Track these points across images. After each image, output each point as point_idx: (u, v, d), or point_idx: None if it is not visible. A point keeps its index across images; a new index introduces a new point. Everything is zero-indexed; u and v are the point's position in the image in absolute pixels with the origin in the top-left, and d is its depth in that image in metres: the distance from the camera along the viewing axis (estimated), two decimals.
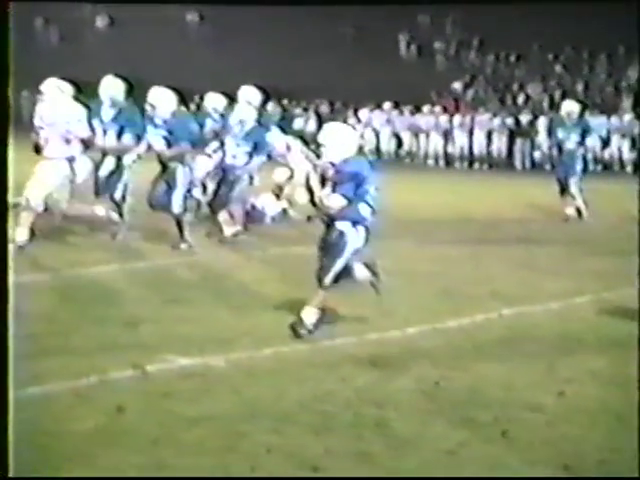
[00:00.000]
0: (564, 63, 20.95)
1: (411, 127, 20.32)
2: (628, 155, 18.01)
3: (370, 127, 20.55)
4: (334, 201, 5.33)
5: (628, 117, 18.19)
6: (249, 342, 5.18)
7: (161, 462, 3.57)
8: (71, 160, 7.81)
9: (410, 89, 20.02)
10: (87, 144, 7.91)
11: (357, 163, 5.44)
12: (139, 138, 8.30)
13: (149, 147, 8.33)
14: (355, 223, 5.39)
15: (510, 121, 19.27)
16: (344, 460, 3.65)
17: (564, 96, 18.11)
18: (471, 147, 19.64)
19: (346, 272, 5.47)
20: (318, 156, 5.81)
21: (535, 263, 7.97)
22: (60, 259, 7.50)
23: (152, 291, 6.57)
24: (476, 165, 19.59)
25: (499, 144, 19.34)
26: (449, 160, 19.88)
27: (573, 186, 10.73)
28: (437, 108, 20.07)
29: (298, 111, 21.14)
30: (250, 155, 8.69)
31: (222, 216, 8.66)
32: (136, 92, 8.73)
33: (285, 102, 20.86)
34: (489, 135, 19.45)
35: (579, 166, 10.81)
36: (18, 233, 7.54)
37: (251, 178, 8.91)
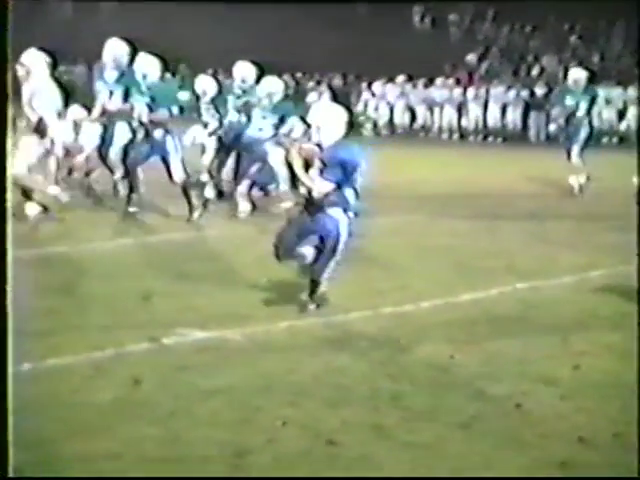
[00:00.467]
0: (580, 34, 20.72)
1: (425, 100, 20.20)
2: None
3: (384, 100, 20.44)
4: (322, 186, 5.16)
5: None
6: (265, 316, 5.21)
7: (177, 434, 3.61)
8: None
9: (424, 62, 19.87)
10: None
11: (348, 149, 5.25)
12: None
13: (132, 109, 8.28)
14: (344, 210, 5.23)
15: (525, 93, 19.11)
16: (359, 433, 3.67)
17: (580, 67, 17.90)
18: (485, 120, 19.51)
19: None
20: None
21: (550, 237, 7.95)
22: (75, 233, 7.54)
23: (167, 265, 6.60)
24: (490, 138, 19.48)
25: (514, 117, 19.21)
26: (463, 133, 19.77)
27: (575, 155, 10.55)
28: (451, 81, 19.93)
29: (311, 84, 21.04)
30: (276, 128, 8.70)
31: (240, 191, 8.67)
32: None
33: (298, 75, 20.76)
34: (504, 108, 19.31)
35: (583, 134, 10.63)
36: (28, 208, 7.57)
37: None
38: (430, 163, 13.83)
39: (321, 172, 5.18)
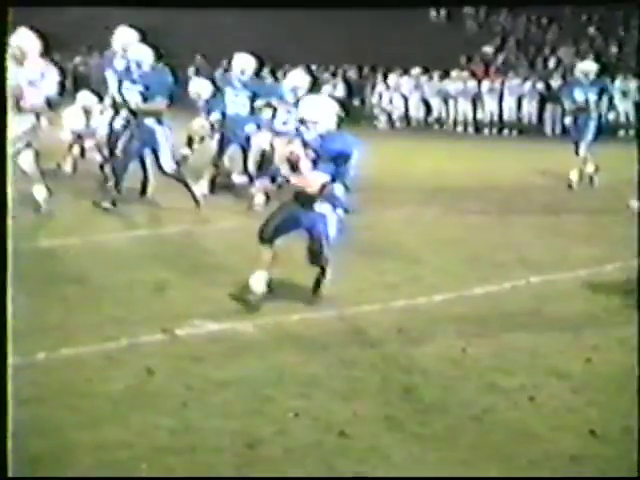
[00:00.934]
0: (597, 25, 20.57)
1: (440, 93, 20.13)
2: None
3: (399, 93, 20.39)
4: (316, 178, 5.06)
5: None
6: (277, 308, 5.22)
7: (189, 424, 3.64)
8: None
9: (439, 54, 19.80)
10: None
11: (341, 140, 5.11)
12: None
13: (123, 101, 8.20)
14: (334, 207, 5.14)
15: (541, 86, 19.01)
16: (371, 425, 3.69)
17: (597, 59, 17.78)
18: (501, 113, 19.42)
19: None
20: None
21: (564, 230, 7.92)
22: (89, 224, 7.58)
23: (181, 257, 6.63)
24: (505, 131, 19.39)
25: (529, 109, 19.11)
26: (478, 126, 19.68)
27: (583, 150, 10.35)
28: (466, 73, 19.85)
29: (326, 76, 21.01)
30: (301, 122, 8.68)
31: (258, 185, 8.67)
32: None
33: (313, 68, 20.74)
34: (519, 100, 19.22)
35: (592, 129, 10.37)
36: (36, 191, 7.61)
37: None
38: (445, 156, 13.79)
39: (314, 164, 5.09)
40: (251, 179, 9.06)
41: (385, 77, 20.64)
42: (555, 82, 18.87)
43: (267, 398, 3.91)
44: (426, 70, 20.29)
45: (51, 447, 3.37)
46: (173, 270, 6.10)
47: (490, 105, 19.51)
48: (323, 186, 5.08)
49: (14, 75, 7.07)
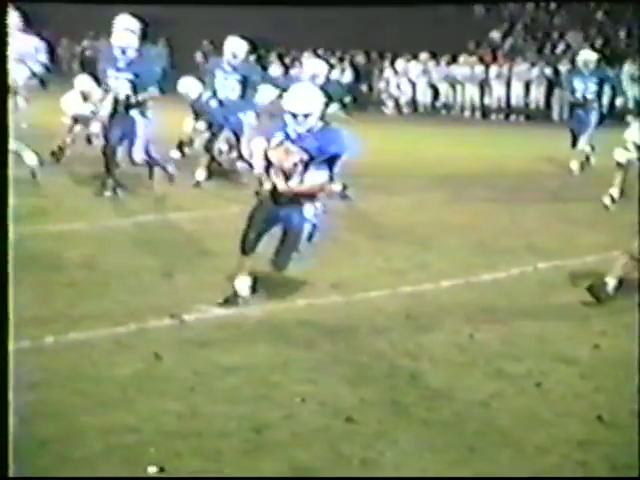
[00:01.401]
0: (606, 9, 20.41)
1: (448, 78, 20.04)
2: None
3: (406, 78, 20.31)
4: (314, 177, 4.89)
5: None
6: (283, 293, 5.22)
7: (196, 409, 3.65)
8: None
9: (447, 39, 19.70)
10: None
11: (336, 139, 4.90)
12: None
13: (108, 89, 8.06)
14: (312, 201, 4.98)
15: (549, 71, 18.91)
16: (378, 411, 3.69)
17: (605, 44, 17.69)
18: (508, 98, 19.34)
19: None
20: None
21: (571, 216, 7.89)
22: (98, 209, 7.59)
23: (189, 242, 6.63)
24: (513, 117, 19.31)
25: (537, 95, 19.01)
26: (486, 112, 19.60)
27: (583, 141, 10.18)
28: (474, 58, 19.75)
29: (333, 62, 20.92)
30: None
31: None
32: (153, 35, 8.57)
33: (320, 52, 20.66)
34: (527, 86, 19.12)
35: (593, 119, 10.18)
36: (27, 157, 7.61)
37: None
38: (452, 141, 13.74)
39: (306, 166, 4.88)
40: (250, 165, 9.02)
41: (393, 62, 20.56)
42: (563, 67, 18.74)
43: (274, 383, 3.92)
44: (434, 55, 20.19)
45: (59, 431, 3.39)
46: (181, 255, 6.11)
47: (498, 90, 19.41)
48: (321, 187, 4.96)
49: None
